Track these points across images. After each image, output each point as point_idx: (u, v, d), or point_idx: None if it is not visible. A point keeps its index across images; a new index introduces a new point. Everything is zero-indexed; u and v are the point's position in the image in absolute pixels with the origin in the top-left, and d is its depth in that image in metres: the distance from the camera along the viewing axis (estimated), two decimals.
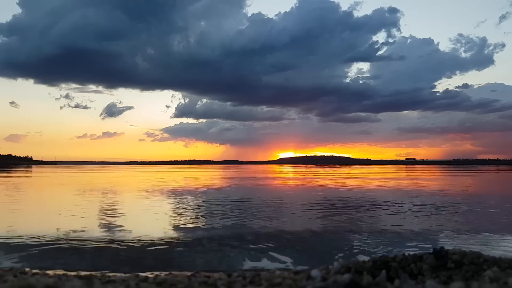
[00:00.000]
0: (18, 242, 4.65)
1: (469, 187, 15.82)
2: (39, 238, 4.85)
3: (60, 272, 2.66)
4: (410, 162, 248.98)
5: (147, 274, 2.26)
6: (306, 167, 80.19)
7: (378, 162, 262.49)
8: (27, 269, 2.64)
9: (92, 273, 2.64)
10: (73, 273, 2.49)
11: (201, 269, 3.22)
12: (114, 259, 3.90)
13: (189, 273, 2.20)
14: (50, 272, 2.61)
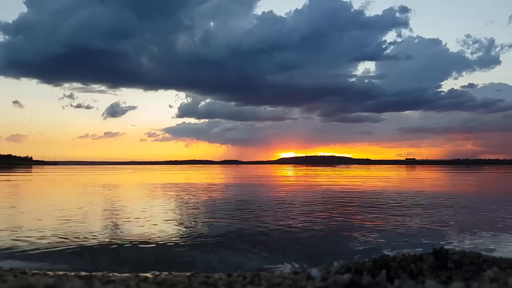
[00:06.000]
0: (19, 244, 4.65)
1: (468, 187, 15.82)
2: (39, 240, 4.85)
3: (60, 272, 2.66)
4: (410, 162, 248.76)
5: (147, 274, 2.26)
6: (306, 167, 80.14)
7: (378, 162, 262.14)
8: (27, 269, 2.64)
9: (92, 273, 2.64)
10: (73, 273, 2.49)
11: (201, 270, 3.22)
12: (115, 259, 3.90)
13: (189, 273, 2.20)
14: (50, 272, 2.61)
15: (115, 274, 2.36)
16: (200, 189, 14.13)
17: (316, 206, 8.67)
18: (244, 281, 1.90)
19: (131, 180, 22.80)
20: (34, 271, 2.59)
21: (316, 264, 2.15)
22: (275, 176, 28.42)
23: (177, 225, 6.09)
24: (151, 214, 7.36)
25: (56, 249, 4.32)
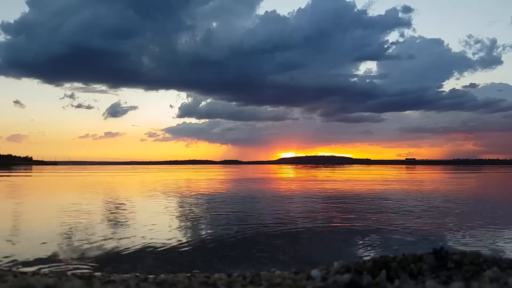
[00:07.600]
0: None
1: (468, 188, 15.82)
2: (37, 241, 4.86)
3: (59, 272, 2.66)
4: (409, 162, 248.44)
5: (147, 274, 2.26)
6: (306, 167, 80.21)
7: (378, 162, 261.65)
8: (27, 269, 2.65)
9: (92, 273, 2.64)
10: (73, 273, 2.49)
11: (201, 270, 3.22)
12: (115, 260, 3.90)
13: (189, 273, 2.20)
14: (50, 272, 2.61)
15: (115, 274, 2.36)
16: (200, 190, 14.14)
17: (316, 206, 8.66)
18: (244, 281, 1.90)
19: (131, 180, 22.79)
20: (34, 271, 2.59)
21: (316, 264, 2.14)
22: (275, 177, 28.45)
23: (177, 225, 6.09)
24: (151, 214, 7.36)
25: (57, 250, 4.32)
